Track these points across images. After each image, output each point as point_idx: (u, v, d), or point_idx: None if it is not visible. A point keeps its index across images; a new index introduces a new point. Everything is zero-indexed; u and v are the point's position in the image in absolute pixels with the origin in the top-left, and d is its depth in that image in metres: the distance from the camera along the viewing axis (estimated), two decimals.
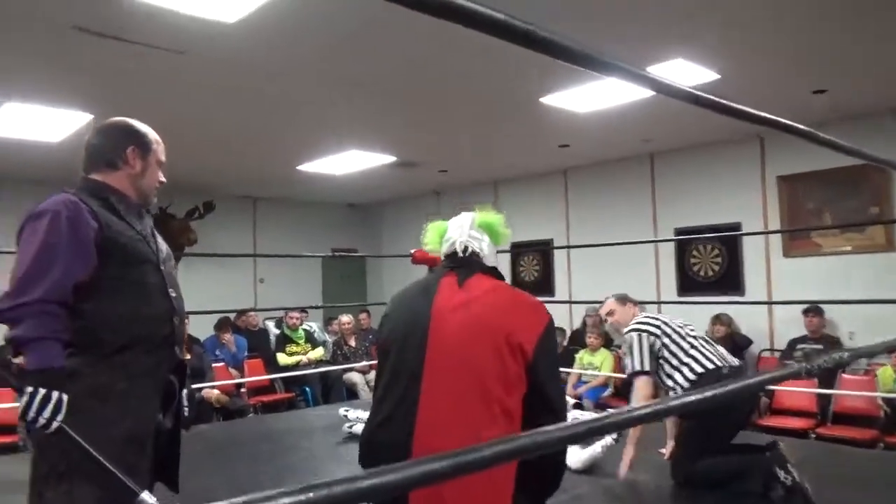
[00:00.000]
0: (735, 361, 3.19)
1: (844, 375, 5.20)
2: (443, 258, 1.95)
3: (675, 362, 3.08)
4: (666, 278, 6.95)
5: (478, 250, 1.90)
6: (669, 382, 3.09)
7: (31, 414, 1.54)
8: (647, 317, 3.26)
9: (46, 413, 1.55)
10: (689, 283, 6.75)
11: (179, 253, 7.85)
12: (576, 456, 3.18)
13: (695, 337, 3.16)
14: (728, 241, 6.43)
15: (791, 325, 5.89)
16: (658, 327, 3.16)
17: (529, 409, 1.68)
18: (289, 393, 6.79)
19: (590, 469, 3.21)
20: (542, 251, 7.97)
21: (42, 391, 1.55)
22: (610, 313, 3.44)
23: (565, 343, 6.87)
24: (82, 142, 1.89)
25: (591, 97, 4.86)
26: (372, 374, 7.32)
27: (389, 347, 1.80)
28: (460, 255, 1.89)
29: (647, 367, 3.07)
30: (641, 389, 3.08)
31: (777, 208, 6.15)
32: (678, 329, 3.16)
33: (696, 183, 6.70)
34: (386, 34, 3.75)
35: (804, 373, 1.03)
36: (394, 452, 1.61)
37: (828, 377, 5.23)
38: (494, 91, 4.80)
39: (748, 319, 6.24)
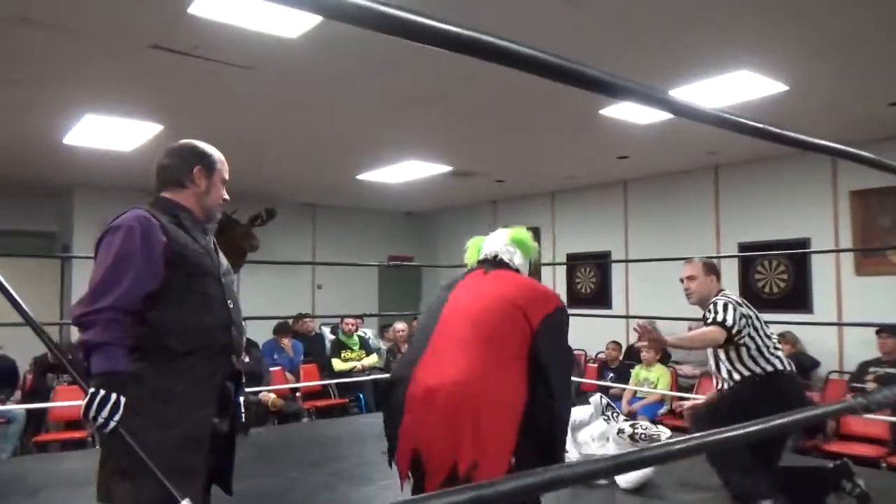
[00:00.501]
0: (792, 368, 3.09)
1: None
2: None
3: (753, 352, 2.96)
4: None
5: (507, 261, 2.14)
6: (739, 367, 2.98)
7: (92, 413, 1.65)
8: (740, 298, 3.11)
9: (104, 413, 1.65)
10: (754, 300, 6.45)
11: (241, 260, 8.15)
12: (630, 476, 3.11)
13: (772, 336, 3.07)
14: (796, 257, 6.19)
15: (863, 346, 5.61)
16: (752, 309, 3.05)
17: (531, 395, 1.86)
18: (343, 399, 6.90)
19: (640, 489, 3.15)
20: (600, 264, 7.86)
21: (102, 392, 1.66)
22: (691, 278, 3.17)
23: (621, 357, 6.73)
24: (153, 151, 2.01)
25: (652, 109, 4.77)
26: None
27: (422, 320, 2.14)
28: (490, 259, 2.16)
29: (730, 324, 2.90)
30: (711, 333, 2.90)
31: (849, 224, 5.88)
32: (764, 324, 3.07)
33: (763, 197, 6.48)
34: (436, 51, 3.79)
35: (860, 409, 0.98)
36: (399, 383, 1.94)
37: None
38: (553, 103, 4.77)
39: (816, 339, 5.98)
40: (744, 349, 2.97)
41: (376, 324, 9.18)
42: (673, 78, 4.13)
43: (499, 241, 2.18)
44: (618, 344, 6.71)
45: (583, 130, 5.42)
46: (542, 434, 1.86)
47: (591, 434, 3.44)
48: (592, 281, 8.05)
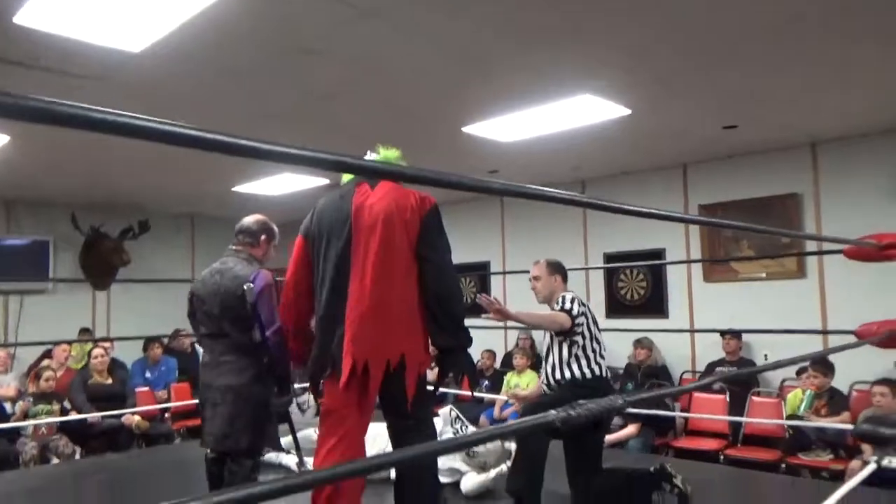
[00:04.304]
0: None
1: (755, 398, 5.40)
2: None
3: (579, 351, 3.18)
4: (596, 301, 7.11)
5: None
6: (565, 367, 3.18)
7: None
8: (580, 298, 3.30)
9: None
10: (618, 306, 6.92)
11: (109, 278, 7.76)
12: (470, 482, 3.23)
13: (601, 343, 3.30)
14: (653, 267, 6.62)
15: (711, 348, 6.08)
16: (588, 310, 3.28)
17: (423, 281, 2.43)
18: None
19: (482, 496, 3.27)
20: (480, 275, 8.10)
21: None
22: (536, 278, 3.40)
23: (496, 366, 6.95)
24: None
25: (515, 127, 4.98)
26: (304, 397, 7.28)
27: (319, 240, 2.53)
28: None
29: (574, 313, 3.14)
30: (558, 316, 3.13)
31: (698, 236, 6.37)
32: (598, 331, 3.29)
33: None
34: (296, 65, 3.81)
35: (559, 423, 1.10)
36: (335, 322, 2.42)
37: (740, 400, 5.41)
38: (417, 120, 4.89)
39: (671, 342, 6.42)
40: (576, 345, 3.19)
41: None
42: (518, 102, 4.35)
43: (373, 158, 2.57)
44: (492, 352, 6.92)
45: (449, 147, 5.56)
46: (440, 308, 2.43)
47: None
48: (473, 291, 8.25)
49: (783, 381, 5.63)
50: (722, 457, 4.95)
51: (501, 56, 3.69)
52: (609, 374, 3.35)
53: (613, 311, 6.95)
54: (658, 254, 6.46)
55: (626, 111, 4.58)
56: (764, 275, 5.97)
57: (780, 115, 4.90)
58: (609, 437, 4.94)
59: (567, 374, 3.20)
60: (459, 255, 8.18)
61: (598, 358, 3.26)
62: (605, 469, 3.29)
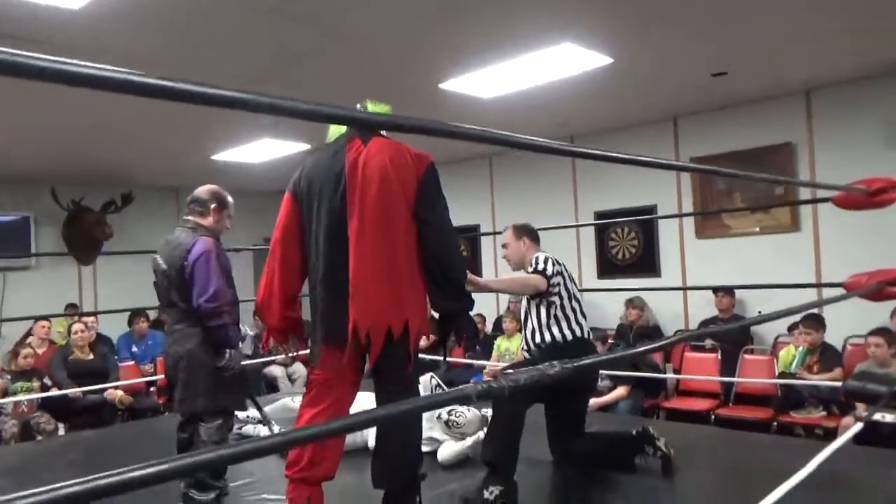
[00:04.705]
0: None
1: (746, 356, 5.27)
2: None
3: (558, 311, 3.05)
4: (587, 262, 6.96)
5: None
6: (544, 330, 3.06)
7: None
8: (555, 257, 3.16)
9: None
10: (609, 266, 6.77)
11: (94, 252, 7.62)
12: (446, 451, 3.13)
13: (581, 302, 3.16)
14: (644, 223, 6.45)
15: (704, 307, 5.94)
16: (567, 271, 3.14)
17: (421, 245, 2.29)
18: None
19: (460, 463, 3.17)
20: (471, 237, 7.92)
21: None
22: (504, 245, 3.28)
23: (487, 331, 6.84)
24: None
25: (495, 82, 4.75)
26: (294, 367, 7.21)
27: (310, 198, 2.34)
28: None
29: (549, 273, 3.02)
30: (533, 279, 3.01)
31: (690, 191, 6.17)
32: (576, 290, 3.15)
33: (615, 165, 6.66)
34: (261, 25, 3.59)
35: (483, 394, 0.96)
36: (334, 287, 2.27)
37: (732, 358, 5.29)
38: (392, 79, 4.67)
39: (664, 301, 6.29)
40: (554, 306, 3.06)
41: (250, 308, 8.86)
42: (496, 53, 4.13)
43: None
44: (482, 317, 6.79)
45: (428, 106, 5.34)
46: (441, 271, 2.29)
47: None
48: (463, 255, 8.10)
49: (777, 337, 5.50)
50: (713, 417, 4.85)
51: (477, 4, 3.46)
52: (591, 336, 3.21)
53: (605, 271, 6.80)
54: (649, 210, 6.28)
55: (609, 60, 4.35)
56: (757, 229, 5.79)
57: (771, 60, 4.66)
58: (597, 401, 4.84)
59: (547, 338, 3.07)
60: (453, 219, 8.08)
61: (580, 317, 3.12)
62: (586, 434, 3.18)
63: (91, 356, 5.77)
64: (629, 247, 6.62)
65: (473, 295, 2.44)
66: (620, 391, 4.85)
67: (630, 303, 6.03)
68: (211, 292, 2.76)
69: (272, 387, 6.82)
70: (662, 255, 6.40)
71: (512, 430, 2.86)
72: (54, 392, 5.31)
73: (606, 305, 6.69)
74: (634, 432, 3.06)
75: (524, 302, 3.21)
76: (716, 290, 5.60)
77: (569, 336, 3.05)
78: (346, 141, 2.34)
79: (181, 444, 2.98)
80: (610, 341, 6.18)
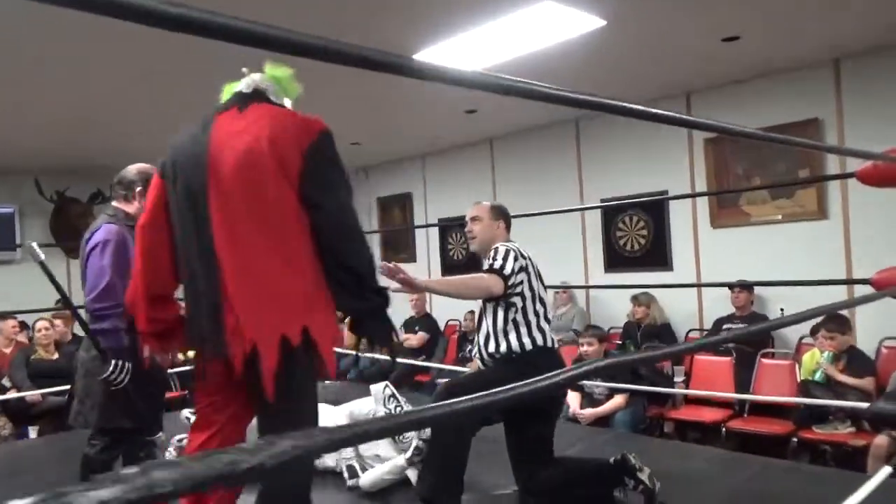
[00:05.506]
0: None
1: (765, 361, 4.68)
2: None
3: (518, 315, 2.58)
4: (593, 255, 6.41)
5: (262, 89, 1.91)
6: (501, 336, 2.59)
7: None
8: (524, 251, 2.67)
9: None
10: (617, 259, 6.20)
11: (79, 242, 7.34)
12: (368, 477, 2.69)
13: (545, 303, 2.68)
14: (654, 212, 5.87)
15: (720, 302, 5.35)
16: (534, 267, 2.66)
17: (317, 233, 1.79)
18: (184, 389, 6.26)
19: (380, 493, 2.72)
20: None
21: None
22: (475, 219, 2.77)
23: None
24: None
25: (473, 52, 4.23)
26: None
27: (173, 185, 1.87)
28: (244, 92, 1.89)
29: (507, 273, 2.53)
30: (487, 280, 2.52)
31: (704, 174, 5.56)
32: (542, 288, 2.67)
33: (623, 150, 6.10)
34: None
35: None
36: (202, 293, 1.82)
37: (749, 360, 4.71)
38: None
39: (676, 297, 5.71)
40: (513, 308, 2.58)
41: None
42: (466, 16, 3.61)
43: (253, 78, 1.92)
44: (474, 313, 6.30)
45: (402, 79, 4.83)
46: (338, 263, 1.82)
47: None
48: (464, 247, 7.61)
49: (801, 338, 4.89)
50: (724, 430, 4.27)
51: None
52: (555, 343, 2.70)
53: (612, 264, 6.23)
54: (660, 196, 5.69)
55: (601, 22, 3.80)
56: (780, 217, 5.17)
57: (791, 22, 4.04)
58: (592, 411, 4.31)
59: (503, 346, 2.58)
60: (446, 208, 7.60)
61: (542, 322, 2.62)
62: (555, 461, 2.68)
63: (56, 356, 5.42)
64: (638, 237, 6.04)
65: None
66: (618, 400, 4.30)
67: (635, 299, 5.47)
68: (99, 290, 2.40)
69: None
70: (674, 247, 5.81)
71: (454, 459, 2.37)
72: (12, 395, 4.98)
73: (614, 301, 6.14)
74: (612, 460, 2.55)
75: (480, 301, 2.71)
76: (732, 286, 5.01)
77: (528, 344, 2.55)
78: (222, 110, 1.88)
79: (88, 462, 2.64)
80: (617, 342, 5.65)
